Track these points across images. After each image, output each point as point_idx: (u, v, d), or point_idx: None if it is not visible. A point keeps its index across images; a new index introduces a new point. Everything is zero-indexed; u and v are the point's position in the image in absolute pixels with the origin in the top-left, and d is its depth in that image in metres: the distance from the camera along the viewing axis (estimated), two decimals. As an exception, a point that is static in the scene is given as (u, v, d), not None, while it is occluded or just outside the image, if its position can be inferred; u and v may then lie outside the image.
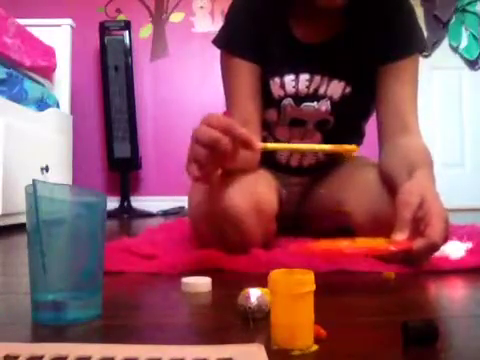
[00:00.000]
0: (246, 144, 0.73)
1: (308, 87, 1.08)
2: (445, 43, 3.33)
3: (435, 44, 3.28)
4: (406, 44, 1.04)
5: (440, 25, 3.29)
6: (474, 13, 3.29)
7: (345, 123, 1.13)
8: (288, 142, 1.16)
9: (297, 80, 1.08)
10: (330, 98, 1.09)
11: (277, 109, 1.11)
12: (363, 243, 0.70)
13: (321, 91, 1.09)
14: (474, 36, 3.28)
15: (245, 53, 1.06)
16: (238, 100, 1.07)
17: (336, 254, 0.61)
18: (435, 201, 0.75)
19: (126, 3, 3.23)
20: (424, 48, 1.11)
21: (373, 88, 1.07)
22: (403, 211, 0.73)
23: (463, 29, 3.30)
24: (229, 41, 1.08)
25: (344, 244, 0.69)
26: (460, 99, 3.35)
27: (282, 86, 1.08)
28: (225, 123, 0.72)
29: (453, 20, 3.31)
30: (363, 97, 1.11)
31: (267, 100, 1.10)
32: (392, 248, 0.62)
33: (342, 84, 1.08)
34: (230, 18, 1.10)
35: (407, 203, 0.74)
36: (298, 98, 1.09)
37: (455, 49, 3.32)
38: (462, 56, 3.32)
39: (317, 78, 1.08)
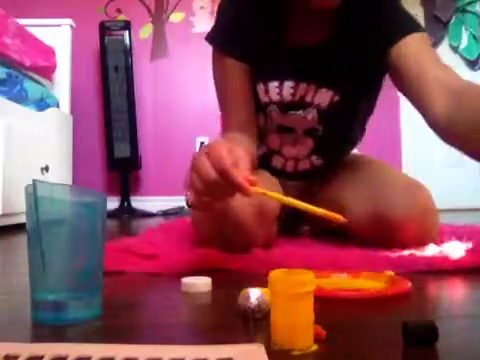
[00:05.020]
0: (240, 190, 0.68)
1: (293, 94, 1.05)
2: (445, 43, 3.32)
3: (435, 44, 3.28)
4: (405, 25, 0.96)
5: (440, 25, 3.29)
6: (474, 13, 3.29)
7: (335, 129, 1.11)
8: (280, 149, 1.14)
9: (281, 87, 1.05)
10: (317, 106, 1.06)
11: (264, 115, 1.10)
12: (361, 283, 0.69)
13: (308, 99, 1.06)
14: (474, 36, 3.28)
15: (235, 52, 1.03)
16: (233, 105, 1.05)
17: (333, 294, 0.61)
18: None
19: (126, 3, 3.23)
20: (422, 30, 0.98)
21: (363, 94, 1.03)
22: None
23: (463, 29, 3.30)
24: (219, 38, 1.06)
25: (342, 284, 0.69)
26: (460, 99, 3.34)
27: (266, 92, 1.06)
28: (224, 165, 0.67)
29: (453, 20, 3.31)
30: (352, 104, 1.08)
31: (255, 104, 1.08)
32: (389, 293, 0.63)
33: (330, 93, 1.05)
34: (218, 17, 1.08)
35: None
36: (284, 105, 1.07)
37: (455, 49, 3.32)
38: (462, 56, 3.32)
39: (303, 86, 1.05)
